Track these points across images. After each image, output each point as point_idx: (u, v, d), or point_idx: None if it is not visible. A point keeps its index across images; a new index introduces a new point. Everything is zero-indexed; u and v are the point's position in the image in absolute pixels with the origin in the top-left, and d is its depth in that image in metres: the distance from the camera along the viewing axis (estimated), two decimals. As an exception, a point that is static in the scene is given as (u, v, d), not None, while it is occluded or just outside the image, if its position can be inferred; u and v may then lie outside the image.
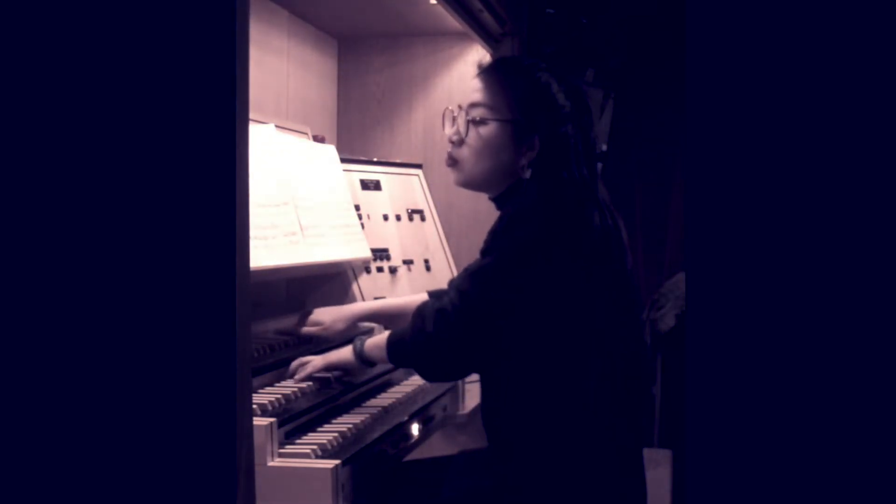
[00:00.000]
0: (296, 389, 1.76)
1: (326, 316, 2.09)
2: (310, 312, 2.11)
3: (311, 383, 1.85)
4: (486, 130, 1.77)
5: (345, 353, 1.89)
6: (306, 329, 2.08)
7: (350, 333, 2.10)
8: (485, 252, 1.70)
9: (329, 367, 1.89)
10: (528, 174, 1.75)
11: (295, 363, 1.90)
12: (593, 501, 1.71)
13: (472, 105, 1.79)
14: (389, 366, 2.09)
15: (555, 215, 1.66)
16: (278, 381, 1.84)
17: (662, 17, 3.25)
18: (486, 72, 1.83)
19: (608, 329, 1.72)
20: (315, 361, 1.88)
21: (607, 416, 1.72)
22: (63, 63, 1.06)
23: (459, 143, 1.80)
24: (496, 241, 1.68)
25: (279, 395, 1.69)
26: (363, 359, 1.87)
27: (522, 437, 1.74)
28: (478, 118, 1.77)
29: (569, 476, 1.71)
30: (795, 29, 1.15)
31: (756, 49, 1.16)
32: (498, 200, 1.82)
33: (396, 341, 1.79)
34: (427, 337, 1.70)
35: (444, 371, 1.79)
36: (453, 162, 1.82)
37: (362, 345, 1.86)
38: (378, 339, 1.85)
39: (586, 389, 1.70)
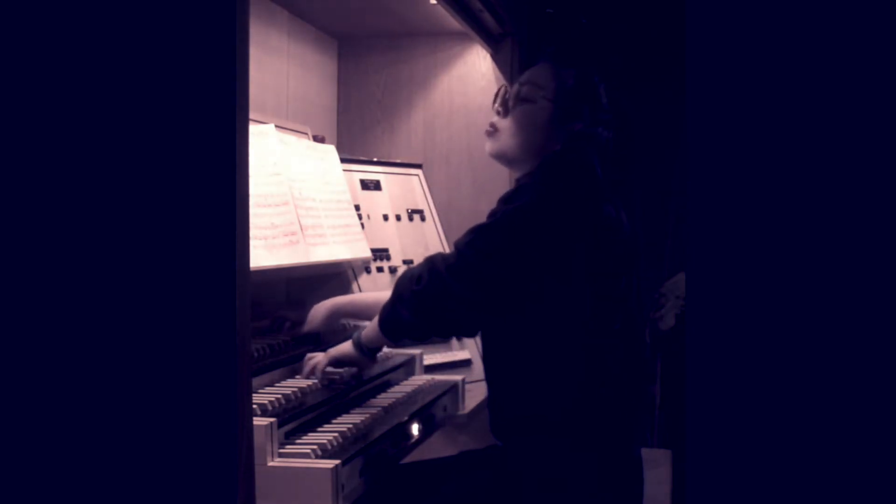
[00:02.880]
0: (296, 389, 1.76)
1: (314, 315, 2.09)
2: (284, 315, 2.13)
3: (313, 382, 1.85)
4: (530, 107, 1.86)
5: (345, 347, 1.90)
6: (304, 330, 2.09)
7: (332, 328, 2.11)
8: (490, 215, 1.75)
9: (333, 362, 1.90)
10: (543, 145, 1.83)
11: (307, 361, 1.91)
12: (590, 492, 1.72)
13: (524, 83, 1.89)
14: (389, 364, 2.10)
15: (562, 191, 1.73)
16: (278, 381, 1.84)
17: (662, 17, 3.25)
18: (546, 58, 1.94)
19: (603, 318, 1.74)
20: (319, 359, 1.89)
21: (604, 409, 1.74)
22: (64, 63, 1.06)
23: (504, 114, 1.89)
24: (501, 204, 1.74)
25: (279, 395, 1.69)
26: (362, 348, 1.88)
27: (522, 425, 1.76)
28: (525, 95, 1.87)
29: (566, 468, 1.72)
30: (795, 28, 1.15)
31: (756, 48, 1.16)
32: (521, 181, 1.86)
33: (386, 312, 1.80)
34: (417, 288, 1.73)
35: (438, 321, 1.78)
36: (493, 130, 1.90)
37: (359, 335, 1.88)
38: (371, 322, 1.86)
39: (581, 370, 1.72)
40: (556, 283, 1.72)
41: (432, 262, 1.74)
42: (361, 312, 2.05)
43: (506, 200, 1.75)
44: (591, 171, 1.79)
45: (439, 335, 1.89)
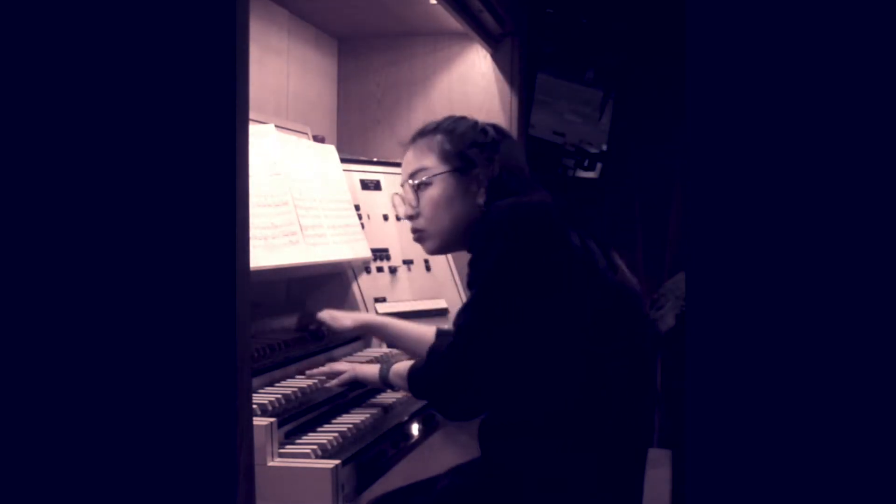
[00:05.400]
0: (296, 389, 1.76)
1: (338, 312, 2.13)
2: (310, 314, 2.14)
3: (313, 382, 1.86)
4: (433, 190, 1.83)
5: (371, 372, 1.91)
6: (319, 315, 2.11)
7: (351, 335, 2.16)
8: (470, 284, 1.73)
9: (355, 380, 1.92)
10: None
11: (331, 366, 1.94)
12: (587, 494, 1.72)
13: (412, 174, 1.86)
14: None
15: (519, 223, 1.68)
16: (278, 381, 1.85)
17: (662, 17, 3.25)
18: (411, 142, 1.91)
19: (605, 326, 1.73)
20: (343, 376, 1.92)
21: (603, 430, 1.73)
22: (63, 62, 1.06)
23: (417, 215, 1.86)
24: (474, 269, 1.71)
25: (279, 395, 1.69)
26: (387, 384, 1.90)
27: (516, 455, 1.75)
28: (422, 182, 1.84)
29: (564, 471, 1.72)
30: (795, 28, 1.15)
31: (756, 49, 1.16)
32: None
33: (414, 377, 1.81)
34: (437, 378, 1.74)
35: (458, 410, 1.80)
36: (419, 235, 1.88)
37: (387, 371, 1.88)
38: (401, 367, 1.86)
39: (581, 404, 1.71)
40: (555, 299, 1.71)
41: (449, 347, 1.72)
42: (395, 340, 2.10)
43: (475, 263, 1.71)
44: (528, 197, 1.76)
45: (452, 416, 1.86)
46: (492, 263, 1.67)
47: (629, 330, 1.79)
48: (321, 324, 2.11)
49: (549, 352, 1.70)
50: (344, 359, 2.10)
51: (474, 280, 1.72)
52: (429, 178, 1.83)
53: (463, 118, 1.91)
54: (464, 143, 1.84)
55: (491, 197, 1.80)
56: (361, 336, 2.25)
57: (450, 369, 1.72)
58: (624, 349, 1.76)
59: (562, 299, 1.69)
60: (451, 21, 2.66)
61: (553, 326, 1.69)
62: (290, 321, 2.18)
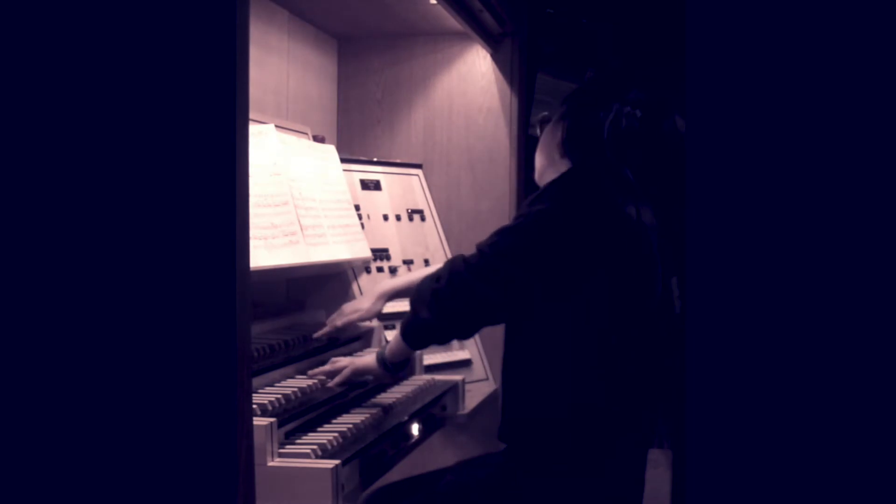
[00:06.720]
0: (296, 389, 1.76)
1: (363, 302, 2.13)
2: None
3: (313, 382, 1.86)
4: (546, 128, 1.98)
5: (369, 360, 1.93)
6: (344, 319, 2.11)
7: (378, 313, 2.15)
8: (517, 217, 1.79)
9: (357, 373, 1.92)
10: (561, 163, 1.88)
11: (333, 363, 1.94)
12: (594, 490, 1.73)
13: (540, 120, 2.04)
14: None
15: (581, 194, 1.77)
16: (278, 381, 1.85)
17: (662, 17, 3.25)
18: None
19: (623, 322, 1.74)
20: (344, 372, 1.92)
21: (618, 412, 1.74)
22: (64, 62, 1.06)
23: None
24: (526, 206, 1.78)
25: (279, 395, 1.69)
26: (386, 364, 1.90)
27: (535, 427, 1.76)
28: (546, 121, 2.01)
29: (569, 468, 1.73)
30: (795, 29, 1.15)
31: (756, 49, 1.16)
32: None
33: (409, 318, 1.82)
34: (436, 286, 1.74)
35: (457, 320, 1.79)
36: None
37: (384, 350, 1.89)
38: (394, 336, 1.88)
39: (598, 374, 1.72)
40: (576, 286, 1.73)
41: (452, 262, 1.77)
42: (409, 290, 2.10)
43: (531, 203, 1.78)
44: (612, 177, 1.82)
45: (459, 336, 1.91)
46: (538, 213, 1.73)
47: (658, 315, 1.80)
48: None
49: (561, 316, 1.72)
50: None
51: (517, 217, 1.77)
52: (548, 117, 2.00)
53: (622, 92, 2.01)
54: (578, 97, 1.96)
55: (567, 140, 1.89)
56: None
57: (456, 274, 1.73)
58: (646, 336, 1.77)
59: (597, 262, 1.73)
60: (451, 21, 2.66)
61: (578, 289, 1.72)
62: (290, 321, 2.18)
